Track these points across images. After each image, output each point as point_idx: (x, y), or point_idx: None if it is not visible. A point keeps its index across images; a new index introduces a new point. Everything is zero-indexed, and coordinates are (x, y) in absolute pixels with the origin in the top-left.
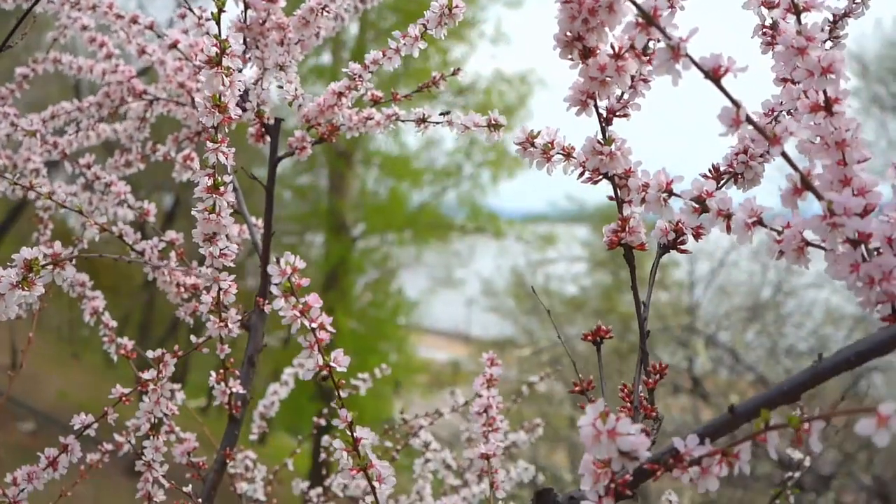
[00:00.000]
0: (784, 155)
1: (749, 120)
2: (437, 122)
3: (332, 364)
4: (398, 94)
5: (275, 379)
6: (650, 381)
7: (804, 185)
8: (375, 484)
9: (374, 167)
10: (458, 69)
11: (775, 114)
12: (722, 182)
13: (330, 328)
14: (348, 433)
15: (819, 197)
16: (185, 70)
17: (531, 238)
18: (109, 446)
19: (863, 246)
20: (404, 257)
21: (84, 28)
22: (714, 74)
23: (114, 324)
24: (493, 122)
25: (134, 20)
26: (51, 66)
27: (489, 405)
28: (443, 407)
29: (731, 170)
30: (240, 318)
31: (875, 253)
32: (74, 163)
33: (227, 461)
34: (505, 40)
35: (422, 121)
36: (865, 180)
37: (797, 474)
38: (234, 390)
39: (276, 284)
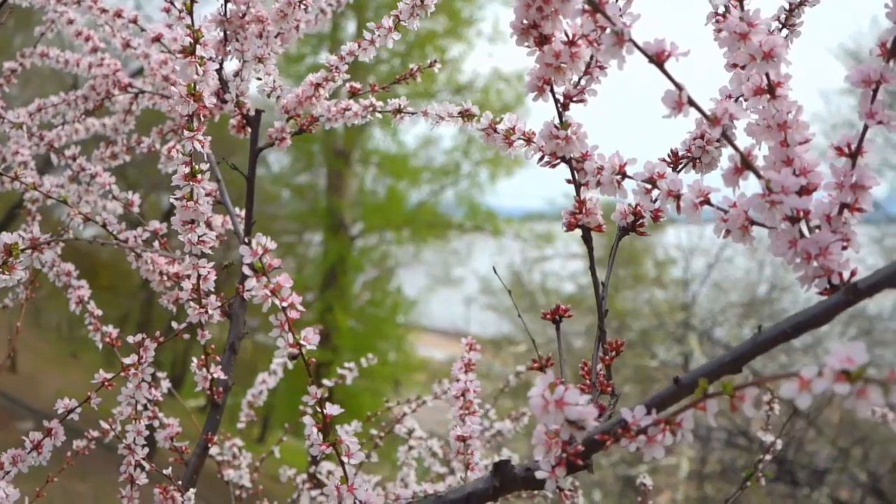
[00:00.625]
0: (725, 136)
1: (691, 102)
2: (412, 113)
3: (301, 342)
4: (375, 86)
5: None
6: (607, 358)
7: (744, 164)
8: (344, 459)
9: (372, 166)
10: (435, 61)
11: (732, 100)
12: (680, 166)
13: (300, 307)
14: (319, 410)
15: (759, 175)
16: (170, 63)
17: (529, 236)
18: (95, 433)
19: (804, 223)
20: (403, 256)
21: (70, 22)
22: (657, 59)
23: (99, 312)
24: (465, 112)
25: (118, 14)
26: (38, 59)
27: (466, 389)
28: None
29: (689, 154)
30: (220, 304)
31: (816, 230)
32: (60, 154)
33: (210, 445)
34: (502, 39)
35: (398, 111)
36: (807, 161)
37: (767, 457)
38: (215, 376)
39: (248, 264)
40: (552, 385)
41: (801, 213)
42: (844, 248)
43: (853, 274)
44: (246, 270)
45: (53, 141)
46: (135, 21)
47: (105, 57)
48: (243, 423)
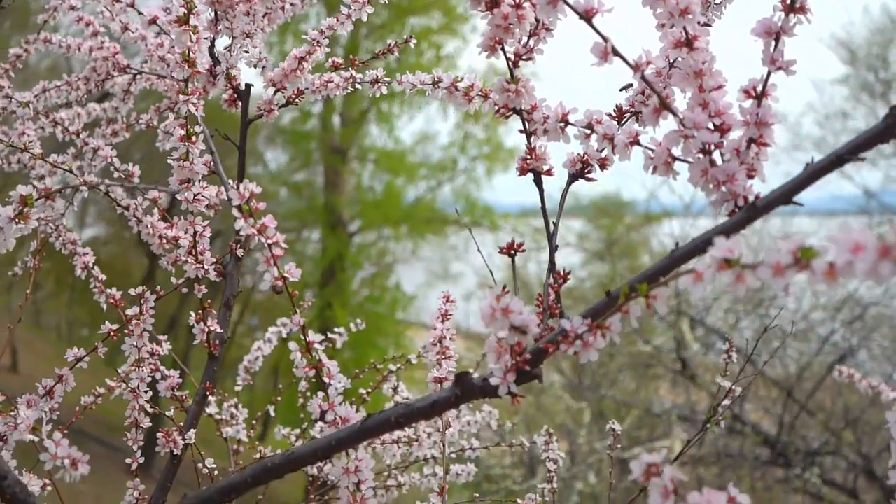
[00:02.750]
0: (644, 80)
1: (615, 52)
2: (388, 82)
3: (286, 275)
4: (356, 60)
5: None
6: (556, 285)
7: (662, 105)
8: (326, 380)
9: (369, 163)
10: (411, 37)
11: (671, 59)
12: (624, 119)
13: (283, 244)
14: (302, 337)
15: (674, 114)
16: (166, 45)
17: (527, 231)
18: (101, 389)
19: (718, 156)
20: (401, 252)
21: (72, 8)
22: (587, 15)
23: (103, 277)
24: (436, 80)
25: None
26: (42, 45)
27: (443, 336)
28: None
29: (632, 108)
30: (214, 261)
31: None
32: (65, 130)
33: (208, 394)
34: None
35: (375, 81)
36: (721, 104)
37: (726, 402)
38: (212, 329)
39: (236, 206)
40: (499, 296)
41: (712, 146)
42: (751, 176)
43: (757, 198)
44: (234, 212)
45: (60, 121)
46: (132, 5)
47: (104, 40)
48: (241, 385)
